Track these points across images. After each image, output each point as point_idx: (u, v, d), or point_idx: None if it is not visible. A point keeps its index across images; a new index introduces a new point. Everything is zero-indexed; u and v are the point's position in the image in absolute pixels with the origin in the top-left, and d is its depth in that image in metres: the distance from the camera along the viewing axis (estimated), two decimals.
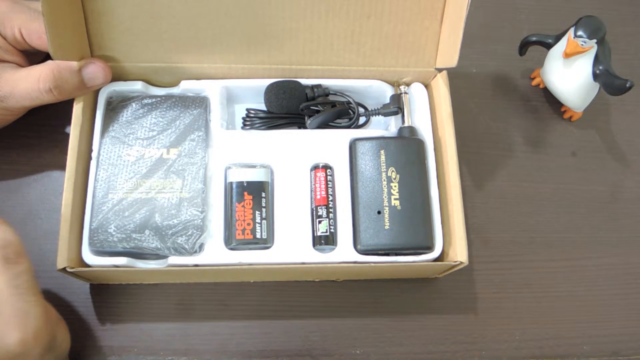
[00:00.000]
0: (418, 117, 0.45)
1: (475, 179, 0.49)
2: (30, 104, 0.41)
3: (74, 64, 0.39)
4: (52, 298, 0.42)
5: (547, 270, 0.47)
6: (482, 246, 0.47)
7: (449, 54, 0.42)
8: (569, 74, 0.48)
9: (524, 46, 0.50)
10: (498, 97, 0.53)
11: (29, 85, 0.39)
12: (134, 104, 0.43)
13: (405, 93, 0.45)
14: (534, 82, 0.54)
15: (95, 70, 0.40)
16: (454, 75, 0.44)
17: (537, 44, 0.50)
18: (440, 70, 0.44)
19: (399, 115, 0.45)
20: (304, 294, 0.44)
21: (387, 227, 0.40)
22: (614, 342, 0.45)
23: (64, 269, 0.37)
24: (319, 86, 0.45)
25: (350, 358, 0.43)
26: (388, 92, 0.46)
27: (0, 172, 0.46)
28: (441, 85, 0.44)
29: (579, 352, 0.45)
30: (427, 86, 0.46)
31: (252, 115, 0.45)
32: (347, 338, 0.43)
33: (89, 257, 0.39)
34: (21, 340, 0.30)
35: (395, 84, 0.46)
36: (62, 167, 0.46)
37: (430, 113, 0.45)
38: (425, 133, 0.44)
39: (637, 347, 0.45)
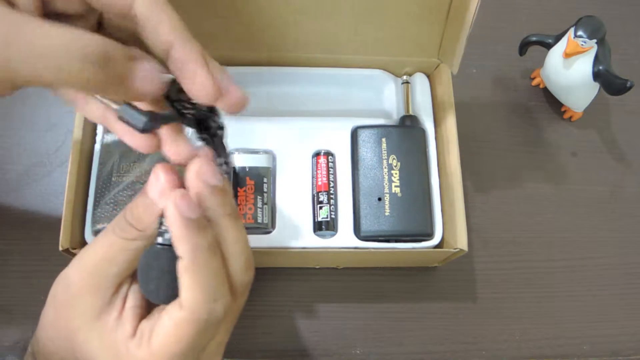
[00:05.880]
0: (420, 106, 0.46)
1: (475, 179, 0.49)
2: (48, 77, 0.23)
3: (134, 49, 0.25)
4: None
5: (547, 270, 0.47)
6: (482, 246, 0.47)
7: (451, 57, 0.42)
8: (569, 74, 0.48)
9: (524, 46, 0.50)
10: (498, 97, 0.53)
11: (64, 47, 0.23)
12: None
13: (408, 82, 0.46)
14: (534, 82, 0.54)
15: (149, 70, 0.25)
16: (454, 75, 0.44)
17: (537, 44, 0.50)
18: (442, 60, 0.45)
19: (401, 105, 0.46)
20: (304, 295, 0.44)
21: (387, 214, 0.41)
22: (614, 342, 0.45)
23: (67, 250, 0.37)
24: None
25: (350, 358, 0.43)
26: (389, 82, 0.46)
27: (0, 172, 0.46)
28: (443, 75, 0.44)
29: (579, 352, 0.45)
30: (429, 76, 0.47)
31: None
32: (347, 338, 0.43)
33: (91, 239, 0.39)
34: None
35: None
36: (62, 167, 0.46)
37: (432, 102, 0.46)
38: (427, 122, 0.45)
39: (636, 347, 0.45)
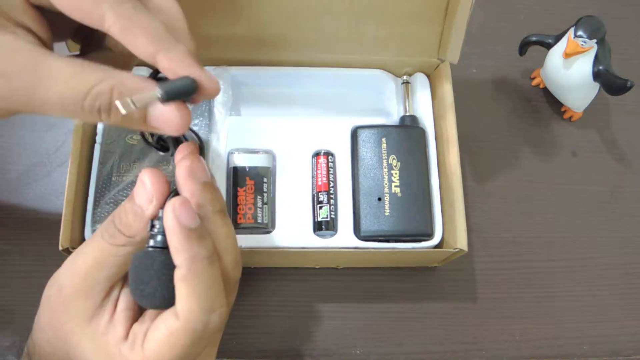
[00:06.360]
0: (420, 106, 0.46)
1: (475, 179, 0.49)
2: (52, 113, 0.25)
3: (144, 85, 0.25)
4: None
5: (547, 270, 0.47)
6: (482, 246, 0.47)
7: (451, 49, 0.42)
8: (569, 74, 0.48)
9: (524, 46, 0.50)
10: (498, 97, 0.53)
11: (69, 92, 0.24)
12: None
13: (408, 82, 0.46)
14: (534, 82, 0.54)
15: (167, 113, 0.25)
16: (454, 75, 0.44)
17: (537, 44, 0.50)
18: (442, 60, 0.45)
19: (401, 104, 0.46)
20: (304, 295, 0.44)
21: (387, 214, 0.41)
22: (613, 342, 0.45)
23: (66, 250, 0.37)
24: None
25: (350, 358, 0.43)
26: (389, 82, 0.47)
27: (0, 172, 0.46)
28: (443, 75, 0.44)
29: (579, 352, 0.45)
30: (429, 76, 0.47)
31: None
32: (347, 338, 0.43)
33: None
34: None
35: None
36: (62, 167, 0.46)
37: (432, 102, 0.46)
38: (427, 122, 0.45)
39: (636, 347, 0.45)
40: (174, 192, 0.26)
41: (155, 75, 0.28)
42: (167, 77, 0.25)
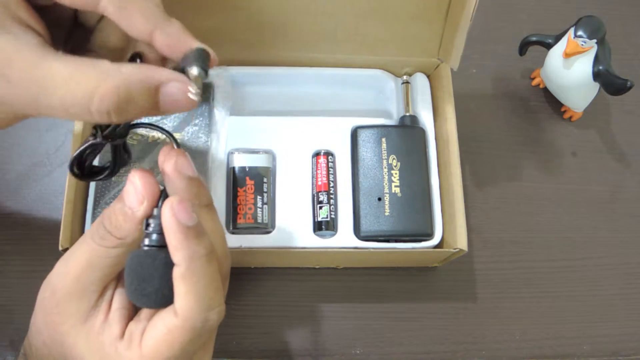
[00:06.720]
0: (420, 106, 0.46)
1: (475, 179, 0.49)
2: (60, 117, 0.24)
3: (152, 76, 0.24)
4: None
5: (547, 270, 0.47)
6: (482, 246, 0.47)
7: (451, 54, 0.42)
8: (569, 74, 0.48)
9: (524, 46, 0.50)
10: (498, 97, 0.53)
11: (70, 97, 0.23)
12: None
13: (408, 82, 0.46)
14: (534, 82, 0.54)
15: (178, 93, 0.25)
16: (454, 75, 0.44)
17: (537, 44, 0.50)
18: (442, 60, 0.45)
19: (401, 104, 0.46)
20: (304, 294, 0.44)
21: (387, 214, 0.41)
22: (614, 342, 0.45)
23: (66, 250, 0.37)
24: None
25: (350, 358, 0.43)
26: (389, 82, 0.47)
27: (0, 172, 0.46)
28: (443, 75, 0.44)
29: (579, 352, 0.45)
30: (429, 76, 0.47)
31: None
32: (347, 338, 0.43)
33: None
34: None
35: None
36: (62, 167, 0.46)
37: (432, 102, 0.46)
38: (427, 122, 0.45)
39: (637, 347, 0.45)
40: (163, 192, 0.26)
41: (134, 59, 0.28)
42: (169, 55, 0.26)
